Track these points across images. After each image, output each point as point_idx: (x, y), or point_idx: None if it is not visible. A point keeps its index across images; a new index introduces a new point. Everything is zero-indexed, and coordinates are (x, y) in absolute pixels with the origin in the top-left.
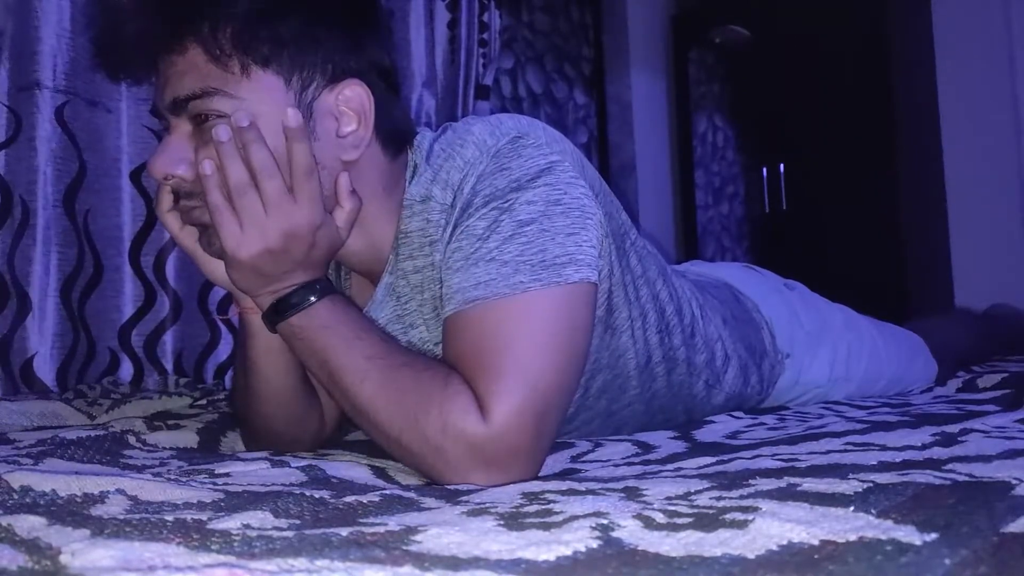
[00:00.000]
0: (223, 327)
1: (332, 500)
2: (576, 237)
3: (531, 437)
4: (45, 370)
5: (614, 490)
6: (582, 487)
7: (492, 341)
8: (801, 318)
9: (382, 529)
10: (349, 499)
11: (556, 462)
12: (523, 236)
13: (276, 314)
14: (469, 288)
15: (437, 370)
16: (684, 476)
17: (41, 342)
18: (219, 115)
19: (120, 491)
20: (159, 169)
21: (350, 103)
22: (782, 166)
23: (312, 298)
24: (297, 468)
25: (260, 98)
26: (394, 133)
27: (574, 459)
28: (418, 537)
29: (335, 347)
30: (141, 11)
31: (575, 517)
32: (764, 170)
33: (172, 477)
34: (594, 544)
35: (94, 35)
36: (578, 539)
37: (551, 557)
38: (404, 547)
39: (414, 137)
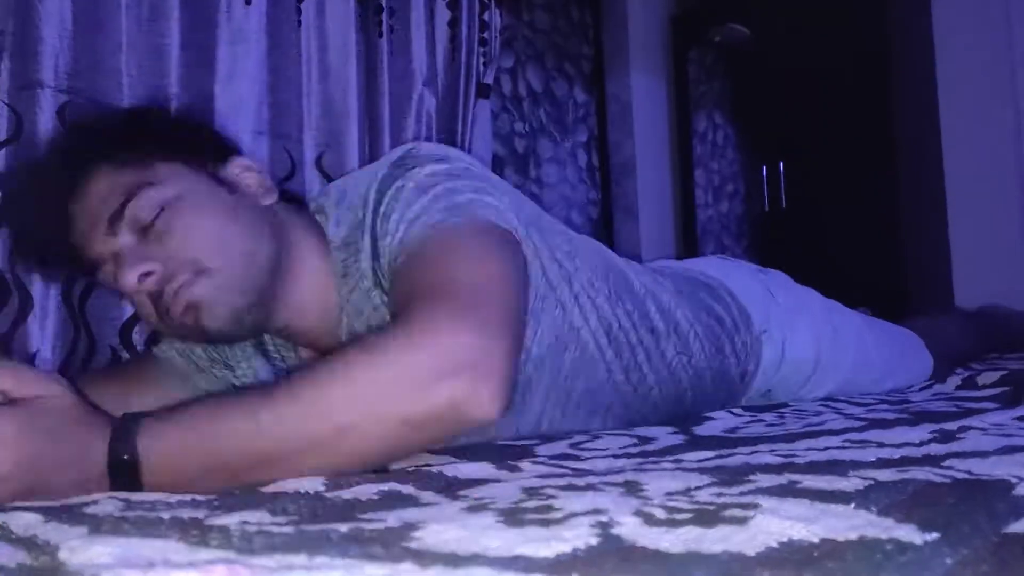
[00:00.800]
0: None
1: (330, 496)
2: (483, 195)
3: (477, 342)
4: (46, 367)
5: (614, 484)
6: (582, 482)
7: (417, 279)
8: (775, 295)
9: (381, 525)
10: (347, 495)
11: (555, 448)
12: (429, 195)
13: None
14: (395, 249)
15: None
16: (683, 470)
17: (42, 340)
18: (156, 206)
19: (112, 495)
20: (132, 281)
21: (244, 169)
22: (782, 165)
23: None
24: None
25: (177, 179)
26: (287, 192)
27: (573, 446)
28: (417, 533)
29: (205, 437)
30: (52, 168)
31: (574, 514)
32: (764, 169)
33: None
34: (593, 541)
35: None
36: (577, 536)
37: (550, 554)
38: (403, 544)
39: (303, 199)
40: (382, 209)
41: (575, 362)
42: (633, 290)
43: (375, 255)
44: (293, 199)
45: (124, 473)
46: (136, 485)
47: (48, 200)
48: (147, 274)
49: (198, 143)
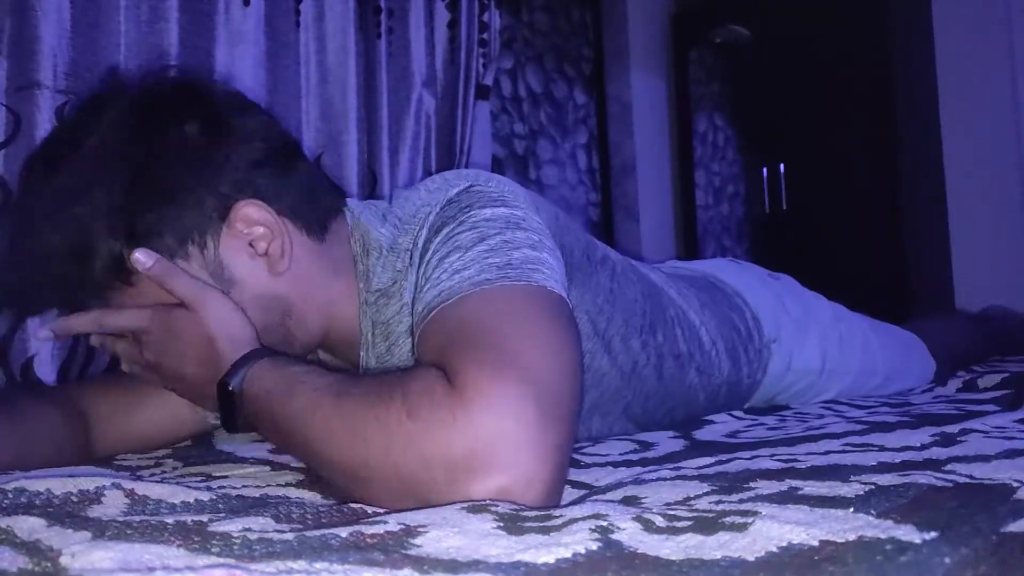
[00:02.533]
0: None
1: (334, 503)
2: (539, 253)
3: (521, 411)
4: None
5: (612, 501)
6: (579, 494)
7: (457, 334)
8: (786, 304)
9: (381, 530)
10: (353, 504)
11: None
12: (483, 245)
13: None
14: (431, 300)
15: (397, 372)
16: (683, 478)
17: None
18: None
19: (116, 486)
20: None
21: (251, 224)
22: (782, 166)
23: (240, 374)
24: (297, 469)
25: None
26: (313, 212)
27: (574, 451)
28: (417, 540)
29: (283, 398)
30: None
31: (574, 520)
32: (764, 170)
33: (170, 482)
34: (594, 546)
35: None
36: (577, 541)
37: (550, 559)
38: (403, 551)
39: (341, 198)
40: (428, 256)
41: (594, 402)
42: (665, 317)
43: (413, 303)
44: (318, 217)
45: (228, 402)
46: (235, 411)
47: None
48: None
49: (181, 224)
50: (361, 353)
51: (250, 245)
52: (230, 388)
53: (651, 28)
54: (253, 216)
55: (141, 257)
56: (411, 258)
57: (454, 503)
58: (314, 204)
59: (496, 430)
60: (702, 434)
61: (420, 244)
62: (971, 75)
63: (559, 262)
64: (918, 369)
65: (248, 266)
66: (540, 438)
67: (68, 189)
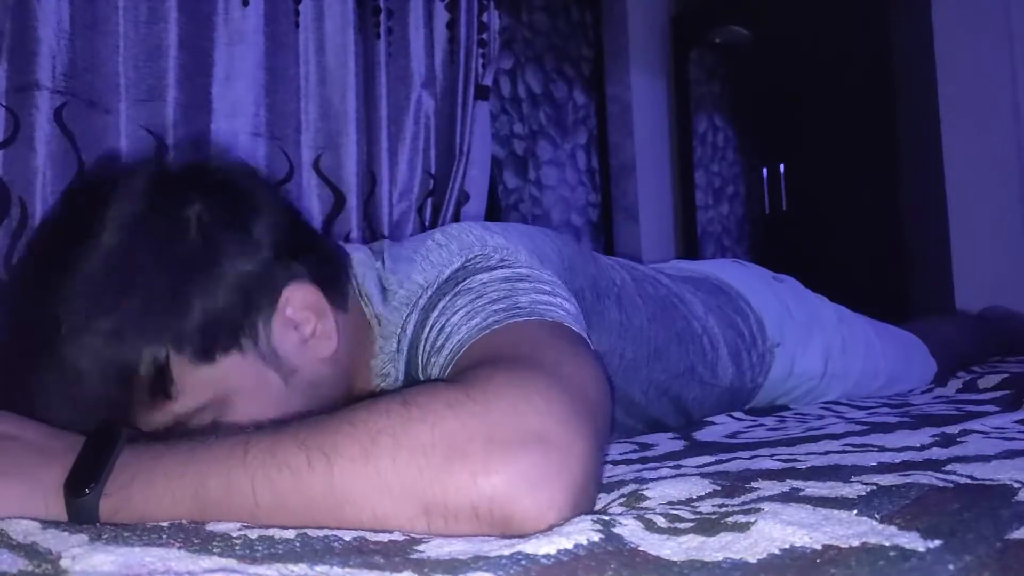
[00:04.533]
0: None
1: None
2: (551, 297)
3: (549, 404)
4: None
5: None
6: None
7: (481, 357)
8: (791, 308)
9: (386, 539)
10: None
11: None
12: (485, 299)
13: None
14: (442, 352)
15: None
16: (683, 475)
17: None
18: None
19: None
20: None
21: (297, 309)
22: (782, 167)
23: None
24: None
25: (228, 383)
26: (338, 284)
27: None
28: (420, 546)
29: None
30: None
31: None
32: (764, 171)
33: None
34: (595, 538)
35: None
36: (579, 531)
37: (552, 550)
38: (406, 556)
39: (347, 261)
40: (426, 333)
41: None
42: (670, 335)
43: (415, 365)
44: (341, 291)
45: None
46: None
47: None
48: None
49: (241, 312)
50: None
51: (295, 330)
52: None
53: (651, 28)
54: (302, 300)
55: None
56: (398, 344)
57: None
58: (337, 274)
59: (510, 422)
60: (702, 435)
61: (409, 330)
62: (971, 74)
63: (575, 306)
64: (919, 371)
65: (298, 352)
66: (557, 438)
67: (89, 302)
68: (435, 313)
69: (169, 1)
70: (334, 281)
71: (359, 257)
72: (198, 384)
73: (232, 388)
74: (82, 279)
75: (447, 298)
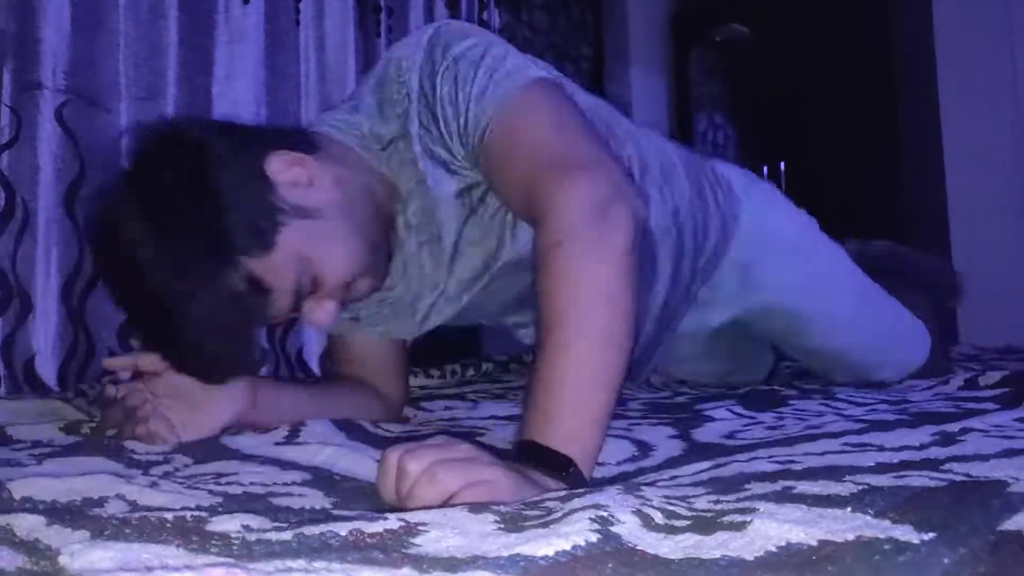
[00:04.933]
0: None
1: (334, 512)
2: (520, 57)
3: (607, 181)
4: (46, 369)
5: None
6: (580, 491)
7: (524, 157)
8: (760, 184)
9: (381, 529)
10: (351, 513)
11: None
12: (482, 66)
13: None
14: (474, 121)
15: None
16: (679, 485)
17: (43, 342)
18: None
19: (120, 496)
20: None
21: (281, 170)
22: (783, 164)
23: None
24: (306, 468)
25: (291, 246)
26: (305, 140)
27: None
28: (417, 539)
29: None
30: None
31: (574, 510)
32: (765, 169)
33: (177, 480)
34: (593, 538)
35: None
36: (577, 531)
37: (550, 552)
38: (403, 550)
39: (299, 127)
40: (439, 93)
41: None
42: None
43: (440, 133)
44: (311, 140)
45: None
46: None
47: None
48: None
49: (254, 209)
50: (399, 220)
51: (295, 187)
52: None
53: (651, 27)
54: (280, 163)
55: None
56: (409, 105)
57: None
58: (296, 133)
59: (601, 206)
60: (701, 434)
61: (417, 88)
62: (971, 72)
63: (541, 63)
64: (911, 331)
65: (312, 194)
66: (616, 191)
67: (168, 260)
68: (439, 83)
69: None
70: (297, 138)
71: (329, 119)
72: (281, 267)
73: (304, 251)
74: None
75: (443, 67)
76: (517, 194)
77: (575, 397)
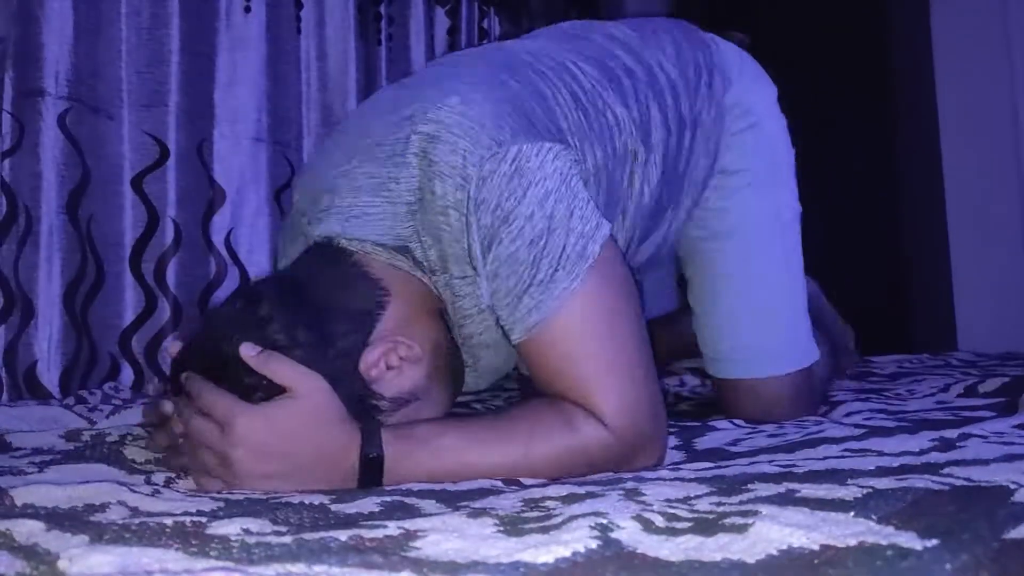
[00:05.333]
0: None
1: (334, 509)
2: (578, 212)
3: (647, 420)
4: (48, 375)
5: (613, 490)
6: (582, 490)
7: (571, 357)
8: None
9: (380, 534)
10: (350, 510)
11: None
12: (544, 251)
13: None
14: (525, 317)
15: (541, 411)
16: (682, 480)
17: (45, 348)
18: None
19: (121, 503)
20: None
21: (371, 365)
22: None
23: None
24: None
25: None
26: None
27: None
28: (417, 543)
29: (442, 463)
30: None
31: (574, 517)
32: None
33: (179, 487)
34: (593, 544)
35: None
36: (577, 539)
37: (550, 559)
38: (402, 553)
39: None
40: (492, 269)
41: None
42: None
43: (490, 296)
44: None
45: (373, 470)
46: (378, 481)
47: None
48: None
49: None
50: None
51: (388, 368)
52: (372, 456)
53: None
54: (372, 358)
55: (245, 350)
56: (470, 260)
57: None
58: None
59: (629, 445)
60: (703, 442)
61: (477, 253)
62: (970, 79)
63: (591, 207)
64: (803, 347)
65: (404, 378)
66: (656, 419)
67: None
68: (491, 254)
69: (172, 7)
70: (372, 299)
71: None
72: None
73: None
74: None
75: (497, 242)
76: (554, 385)
77: (472, 448)
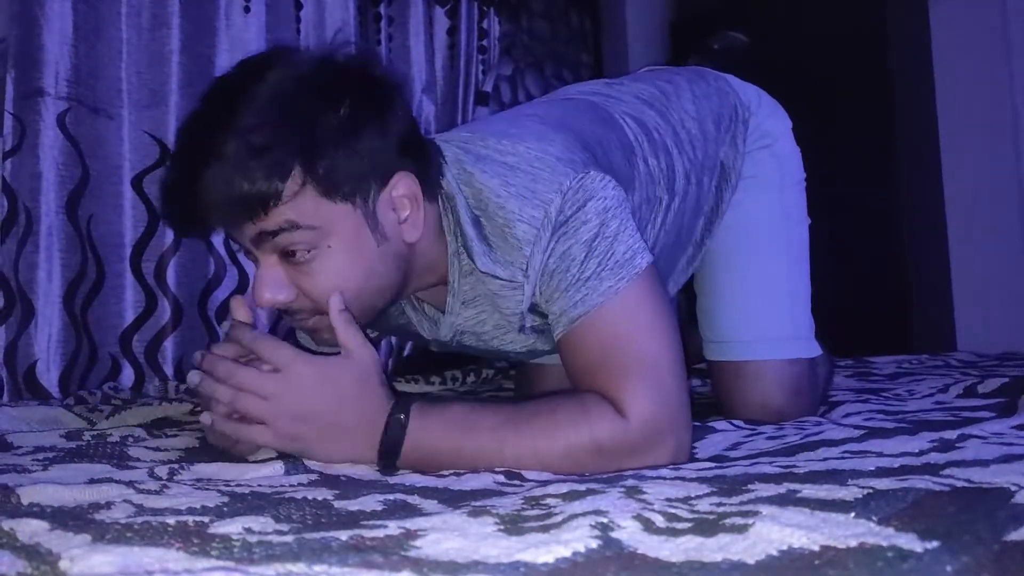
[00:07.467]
0: (222, 333)
1: (337, 505)
2: (629, 230)
3: (671, 416)
4: (48, 376)
5: (613, 487)
6: (582, 487)
7: (606, 348)
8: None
9: (381, 533)
10: (353, 507)
11: None
12: (594, 251)
13: (389, 458)
14: (570, 309)
15: (565, 401)
16: (683, 479)
17: (44, 348)
18: (304, 248)
19: (127, 500)
20: (267, 300)
21: (400, 194)
22: None
23: (401, 417)
24: (313, 470)
25: (334, 225)
26: (431, 180)
27: None
28: (417, 542)
29: (458, 445)
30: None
31: (574, 516)
32: None
33: (185, 483)
34: (593, 544)
35: (173, 191)
36: (577, 538)
37: (550, 559)
38: (403, 552)
39: (438, 155)
40: (551, 269)
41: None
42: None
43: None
44: (433, 183)
45: (391, 450)
46: (394, 461)
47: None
48: (278, 302)
49: (364, 174)
50: (449, 298)
51: (394, 211)
52: (401, 428)
53: (650, 35)
54: (405, 187)
55: (335, 299)
56: (526, 272)
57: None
58: (434, 178)
59: (651, 435)
60: (703, 447)
61: (537, 266)
62: (969, 79)
63: (635, 230)
64: (801, 338)
65: (393, 228)
66: (679, 420)
67: (256, 124)
68: (553, 259)
69: (172, 8)
70: (431, 182)
71: (452, 172)
72: (311, 210)
73: (334, 230)
74: (250, 113)
75: (561, 249)
76: (585, 377)
77: (486, 435)
